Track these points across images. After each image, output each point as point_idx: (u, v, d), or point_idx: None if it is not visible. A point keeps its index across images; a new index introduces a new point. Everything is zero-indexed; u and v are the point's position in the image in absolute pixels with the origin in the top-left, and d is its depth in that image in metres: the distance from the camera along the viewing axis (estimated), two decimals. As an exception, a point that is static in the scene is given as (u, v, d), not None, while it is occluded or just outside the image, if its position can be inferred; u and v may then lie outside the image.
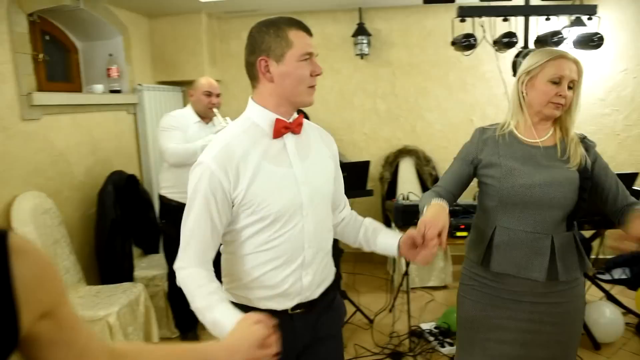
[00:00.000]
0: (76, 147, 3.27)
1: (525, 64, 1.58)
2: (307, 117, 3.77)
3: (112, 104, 3.71)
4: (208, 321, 1.15)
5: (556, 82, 1.51)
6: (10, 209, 2.62)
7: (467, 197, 2.57)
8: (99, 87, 3.58)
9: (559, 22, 2.95)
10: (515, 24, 2.93)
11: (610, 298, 3.18)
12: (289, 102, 1.30)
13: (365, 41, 4.23)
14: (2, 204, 2.61)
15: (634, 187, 2.79)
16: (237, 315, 1.09)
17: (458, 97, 4.37)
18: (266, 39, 1.24)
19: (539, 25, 3.01)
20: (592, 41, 2.84)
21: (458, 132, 4.33)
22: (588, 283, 3.25)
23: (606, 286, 3.25)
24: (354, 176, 3.03)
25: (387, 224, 4.26)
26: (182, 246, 1.26)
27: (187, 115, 3.02)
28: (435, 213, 1.38)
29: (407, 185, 4.20)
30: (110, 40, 3.77)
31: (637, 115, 4.12)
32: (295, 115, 1.36)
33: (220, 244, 1.35)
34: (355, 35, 4.24)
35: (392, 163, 4.41)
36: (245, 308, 1.28)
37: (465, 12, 2.80)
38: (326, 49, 4.36)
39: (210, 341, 0.97)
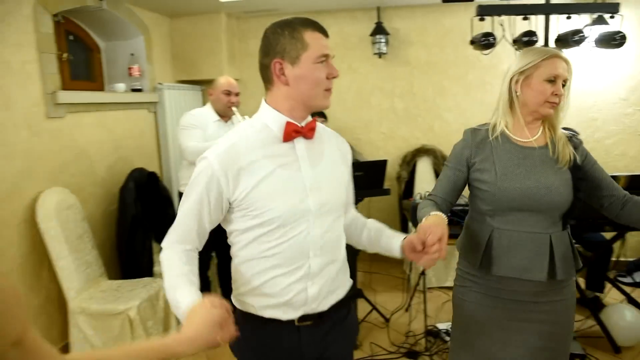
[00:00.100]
0: (98, 144, 3.34)
1: (518, 64, 1.56)
2: (324, 117, 3.79)
3: (134, 102, 3.78)
4: (171, 300, 1.14)
5: (552, 81, 1.51)
6: (35, 205, 2.70)
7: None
8: (121, 86, 3.65)
9: (580, 21, 2.90)
10: (536, 22, 2.89)
11: (631, 301, 3.13)
12: (304, 105, 1.25)
13: (383, 40, 4.23)
14: (27, 199, 2.70)
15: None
16: (194, 298, 1.08)
17: (476, 96, 4.34)
18: (281, 40, 1.20)
19: (560, 24, 2.98)
20: (614, 40, 2.79)
21: (476, 132, 4.29)
22: (608, 285, 3.22)
23: (627, 289, 3.20)
24: (371, 175, 3.03)
25: (404, 223, 4.27)
26: (171, 228, 1.27)
27: (207, 113, 3.07)
28: (434, 221, 1.37)
29: (424, 184, 4.18)
30: (132, 39, 3.85)
31: (661, 115, 4.05)
32: (309, 118, 1.31)
33: (230, 247, 1.33)
34: (373, 34, 4.24)
35: (409, 162, 4.40)
36: (251, 316, 1.28)
37: (484, 11, 2.78)
38: (344, 48, 4.38)
39: (169, 335, 0.96)
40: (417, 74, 4.40)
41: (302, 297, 1.26)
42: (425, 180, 4.29)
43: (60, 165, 2.96)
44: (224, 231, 1.32)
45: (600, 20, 3.06)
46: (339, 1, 4.11)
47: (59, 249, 2.70)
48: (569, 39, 2.80)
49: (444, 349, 2.94)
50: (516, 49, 2.96)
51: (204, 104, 3.85)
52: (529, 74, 1.53)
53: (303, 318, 1.28)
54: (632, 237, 3.41)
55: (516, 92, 1.57)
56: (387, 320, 3.33)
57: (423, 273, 3.17)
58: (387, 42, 4.26)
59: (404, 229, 4.10)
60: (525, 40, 2.82)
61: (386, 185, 3.25)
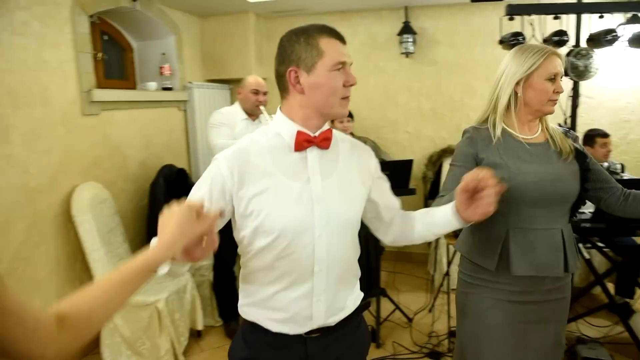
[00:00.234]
0: (130, 141, 3.45)
1: (518, 66, 1.55)
2: (351, 116, 3.81)
3: (164, 100, 3.88)
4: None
5: (552, 79, 1.52)
6: (70, 198, 2.81)
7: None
8: (152, 85, 3.75)
9: (613, 20, 2.84)
10: (567, 21, 2.85)
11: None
12: (320, 114, 1.21)
13: (410, 40, 4.22)
14: (63, 193, 2.81)
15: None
16: None
17: (505, 96, 4.27)
18: (296, 48, 1.17)
19: (592, 23, 2.92)
20: (649, 39, 2.73)
21: (504, 132, 4.24)
22: (639, 291, 3.14)
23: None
24: (397, 175, 3.04)
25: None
26: None
27: (235, 112, 3.13)
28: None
29: (450, 185, 4.15)
30: (163, 39, 3.95)
31: (698, 117, 3.92)
32: (325, 128, 1.26)
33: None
34: (400, 33, 4.23)
35: (435, 162, 4.38)
36: (256, 327, 1.26)
37: (514, 10, 2.75)
38: (371, 48, 4.38)
39: (144, 250, 0.91)
40: (444, 73, 4.37)
41: (307, 313, 1.22)
42: (451, 180, 4.25)
43: (94, 161, 3.07)
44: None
45: (634, 19, 2.98)
46: (367, 1, 4.12)
47: (92, 241, 2.80)
48: (601, 39, 2.75)
49: (468, 350, 2.92)
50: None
51: (232, 102, 3.92)
52: (530, 73, 1.54)
53: (310, 332, 1.25)
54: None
55: (517, 93, 1.57)
56: (410, 320, 3.33)
57: (447, 274, 3.16)
58: (414, 42, 4.24)
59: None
60: (556, 40, 2.78)
61: (412, 185, 3.25)
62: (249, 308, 1.29)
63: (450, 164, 1.64)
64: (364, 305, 1.39)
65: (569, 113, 2.89)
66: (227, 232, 1.27)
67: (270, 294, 1.23)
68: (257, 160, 1.19)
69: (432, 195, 4.24)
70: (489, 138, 1.59)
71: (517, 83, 1.56)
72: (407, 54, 4.29)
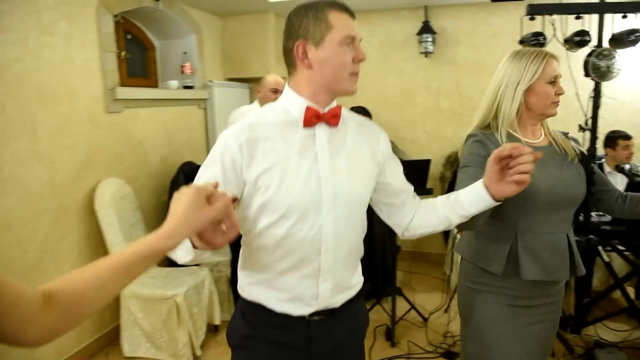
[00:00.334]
0: (152, 138, 3.52)
1: (524, 74, 1.53)
2: (369, 115, 3.82)
3: (185, 99, 3.94)
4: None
5: (552, 82, 1.53)
6: (94, 193, 2.88)
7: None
8: (174, 83, 3.82)
9: (636, 20, 2.79)
10: (589, 21, 2.81)
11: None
12: (329, 90, 1.18)
13: (430, 39, 4.21)
14: (87, 188, 2.88)
15: None
16: None
17: (525, 97, 4.24)
18: (304, 21, 1.13)
19: (615, 23, 2.88)
20: (674, 40, 2.68)
21: (524, 133, 4.20)
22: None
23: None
24: (414, 174, 3.03)
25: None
26: None
27: (254, 110, 3.17)
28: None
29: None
30: (185, 38, 4.01)
31: None
32: (333, 104, 1.23)
33: (241, 236, 1.26)
34: (420, 33, 4.23)
35: (453, 162, 4.36)
36: (259, 307, 1.24)
37: (535, 10, 2.73)
38: (390, 48, 4.38)
39: (149, 234, 0.83)
40: (463, 73, 4.35)
41: (313, 292, 1.21)
42: (469, 181, 4.24)
43: (116, 157, 3.14)
44: None
45: (659, 20, 2.93)
46: (386, 0, 4.13)
47: (114, 235, 2.87)
48: (624, 39, 2.71)
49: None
50: (567, 49, 2.89)
51: (251, 101, 3.97)
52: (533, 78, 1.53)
53: (314, 313, 1.23)
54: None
55: (522, 100, 1.56)
56: (425, 320, 3.34)
57: (464, 274, 3.14)
58: (433, 41, 4.24)
59: (445, 231, 4.07)
60: (577, 40, 2.74)
61: (429, 185, 3.24)
62: (251, 288, 1.26)
63: (461, 167, 1.56)
64: (365, 288, 1.39)
65: (590, 114, 2.85)
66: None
67: (275, 273, 1.20)
68: (265, 136, 1.16)
69: (449, 195, 4.22)
70: (497, 142, 1.55)
71: (523, 90, 1.54)
72: (427, 54, 4.29)
